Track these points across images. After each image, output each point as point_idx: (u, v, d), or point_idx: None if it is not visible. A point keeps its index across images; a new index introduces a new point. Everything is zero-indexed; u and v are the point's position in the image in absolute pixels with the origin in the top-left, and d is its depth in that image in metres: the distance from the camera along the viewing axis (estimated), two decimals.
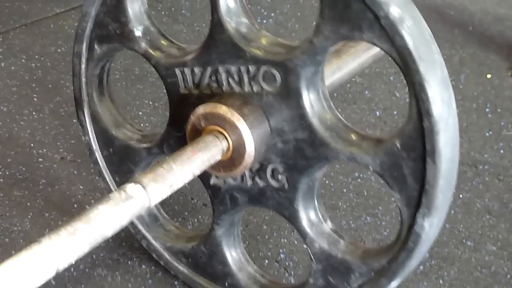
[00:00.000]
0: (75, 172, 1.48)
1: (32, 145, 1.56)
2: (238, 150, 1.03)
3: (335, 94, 1.70)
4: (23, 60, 1.80)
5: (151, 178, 0.93)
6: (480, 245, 1.48)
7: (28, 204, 1.41)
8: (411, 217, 0.98)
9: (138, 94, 1.67)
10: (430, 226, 0.97)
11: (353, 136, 1.01)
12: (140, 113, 1.61)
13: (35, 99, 1.67)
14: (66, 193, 1.44)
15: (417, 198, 0.96)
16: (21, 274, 0.79)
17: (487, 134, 1.84)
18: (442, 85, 0.92)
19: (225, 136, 1.02)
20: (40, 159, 1.52)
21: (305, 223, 1.09)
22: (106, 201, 0.89)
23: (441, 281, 1.32)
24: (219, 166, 1.04)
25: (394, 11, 0.88)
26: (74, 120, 1.44)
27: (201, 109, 1.03)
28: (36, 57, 1.83)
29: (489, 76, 2.12)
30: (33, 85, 1.75)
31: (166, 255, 1.26)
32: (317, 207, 1.09)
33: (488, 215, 1.57)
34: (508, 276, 1.40)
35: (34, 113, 1.66)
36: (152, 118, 1.59)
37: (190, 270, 1.24)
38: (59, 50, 1.89)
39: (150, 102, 1.63)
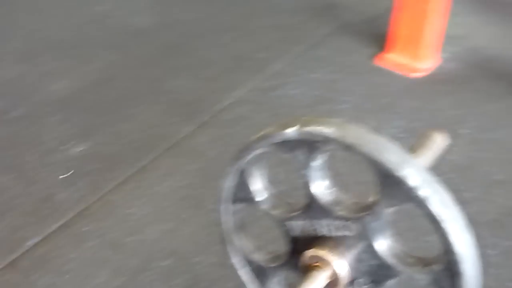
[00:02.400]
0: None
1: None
2: (336, 277, 1.60)
3: None
4: (171, 182, 2.35)
5: None
6: None
7: None
8: None
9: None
10: None
11: (411, 259, 1.56)
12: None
13: (184, 215, 2.24)
14: None
15: None
16: None
17: None
18: (462, 233, 1.45)
19: (327, 270, 1.60)
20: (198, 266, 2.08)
21: None
22: None
23: None
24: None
25: (423, 192, 1.43)
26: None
27: (309, 253, 1.60)
28: (178, 177, 2.38)
29: None
30: (182, 202, 2.27)
31: None
32: None
33: None
34: None
35: (188, 227, 2.19)
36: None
37: None
38: (196, 167, 2.42)
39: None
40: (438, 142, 2.00)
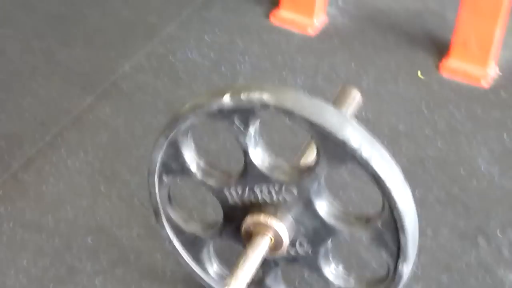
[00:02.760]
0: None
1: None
2: (278, 240, 1.62)
3: None
4: (82, 156, 2.28)
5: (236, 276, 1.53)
6: (437, 231, 2.09)
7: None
8: (394, 264, 1.58)
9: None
10: (407, 268, 1.58)
11: (351, 218, 1.60)
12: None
13: (102, 189, 2.19)
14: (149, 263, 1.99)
15: (397, 253, 1.56)
16: None
17: (427, 132, 2.42)
18: (403, 189, 1.50)
19: (269, 234, 1.61)
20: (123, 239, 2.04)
21: (326, 273, 1.70)
22: None
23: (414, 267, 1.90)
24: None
25: (365, 153, 1.46)
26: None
27: (249, 220, 1.62)
28: (88, 150, 2.31)
29: (419, 73, 2.67)
30: (98, 176, 2.22)
31: None
32: (332, 261, 1.70)
33: (438, 204, 2.17)
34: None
35: (107, 200, 2.15)
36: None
37: None
38: (104, 138, 2.36)
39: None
40: (354, 98, 2.05)
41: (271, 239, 1.62)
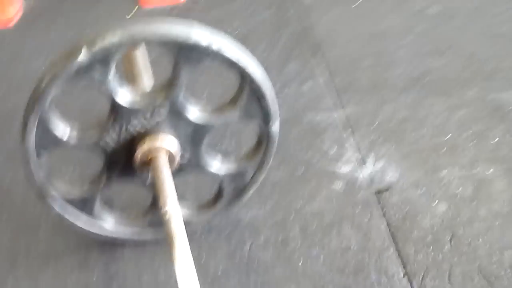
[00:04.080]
0: None
1: None
2: (171, 153, 1.83)
3: None
4: None
5: (164, 197, 1.72)
6: None
7: None
8: (267, 128, 1.88)
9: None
10: (276, 127, 1.89)
11: (220, 109, 1.85)
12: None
13: None
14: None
15: (265, 118, 1.86)
16: None
17: None
18: (255, 65, 1.77)
19: (163, 152, 1.81)
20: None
21: (210, 168, 1.95)
22: None
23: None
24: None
25: (216, 45, 1.71)
26: None
27: (139, 152, 1.80)
28: None
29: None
30: None
31: None
32: (212, 154, 1.95)
33: None
34: None
35: None
36: None
37: None
38: None
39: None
40: None
41: (166, 154, 1.82)
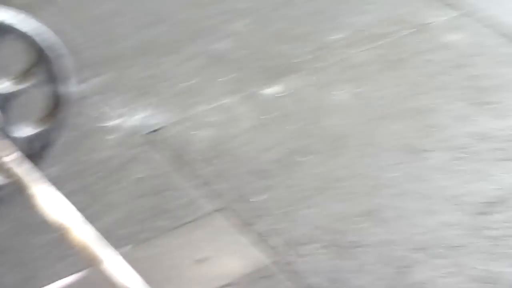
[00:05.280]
0: None
1: None
2: None
3: None
4: None
5: None
6: None
7: None
8: (62, 89, 2.25)
9: None
10: (72, 88, 2.27)
11: (16, 80, 2.18)
12: None
13: None
14: None
15: (57, 79, 2.23)
16: None
17: None
18: (49, 36, 2.14)
19: None
20: None
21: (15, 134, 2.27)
22: None
23: None
24: None
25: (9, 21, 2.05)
26: None
27: None
28: None
29: None
30: None
31: None
32: (16, 121, 2.27)
33: None
34: None
35: None
36: None
37: None
38: None
39: None
40: None
41: None
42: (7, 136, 2.21)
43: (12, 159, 1.99)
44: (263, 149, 2.61)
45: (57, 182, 2.22)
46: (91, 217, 1.89)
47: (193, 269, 2.18)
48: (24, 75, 2.20)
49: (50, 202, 1.84)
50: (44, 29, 2.15)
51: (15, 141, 2.26)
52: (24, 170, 1.95)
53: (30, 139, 2.30)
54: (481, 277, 2.13)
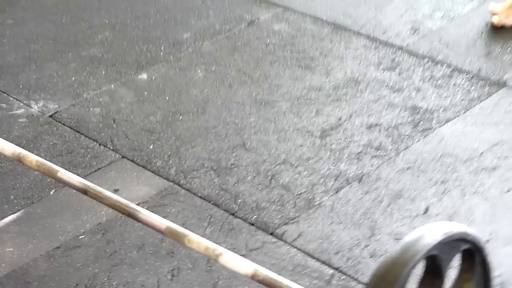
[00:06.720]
0: None
1: None
2: None
3: None
4: None
5: None
6: None
7: None
8: None
9: None
10: None
11: None
12: None
13: None
14: None
15: None
16: None
17: None
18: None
19: None
20: None
21: None
22: None
23: None
24: None
25: None
26: None
27: None
28: None
29: None
30: None
31: None
32: None
33: None
34: None
35: None
36: None
37: None
38: None
39: None
40: None
41: None
42: None
43: None
44: (146, 115, 3.24)
45: None
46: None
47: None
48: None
49: None
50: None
51: None
52: None
53: None
54: (330, 174, 2.87)
